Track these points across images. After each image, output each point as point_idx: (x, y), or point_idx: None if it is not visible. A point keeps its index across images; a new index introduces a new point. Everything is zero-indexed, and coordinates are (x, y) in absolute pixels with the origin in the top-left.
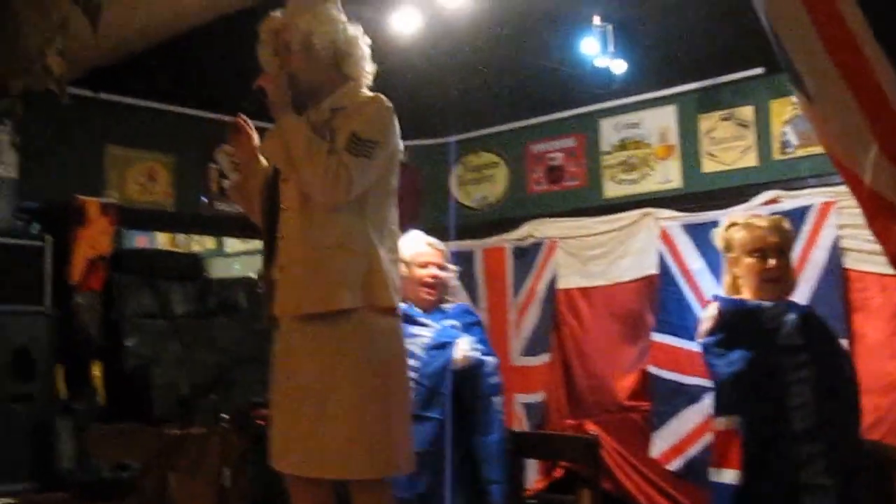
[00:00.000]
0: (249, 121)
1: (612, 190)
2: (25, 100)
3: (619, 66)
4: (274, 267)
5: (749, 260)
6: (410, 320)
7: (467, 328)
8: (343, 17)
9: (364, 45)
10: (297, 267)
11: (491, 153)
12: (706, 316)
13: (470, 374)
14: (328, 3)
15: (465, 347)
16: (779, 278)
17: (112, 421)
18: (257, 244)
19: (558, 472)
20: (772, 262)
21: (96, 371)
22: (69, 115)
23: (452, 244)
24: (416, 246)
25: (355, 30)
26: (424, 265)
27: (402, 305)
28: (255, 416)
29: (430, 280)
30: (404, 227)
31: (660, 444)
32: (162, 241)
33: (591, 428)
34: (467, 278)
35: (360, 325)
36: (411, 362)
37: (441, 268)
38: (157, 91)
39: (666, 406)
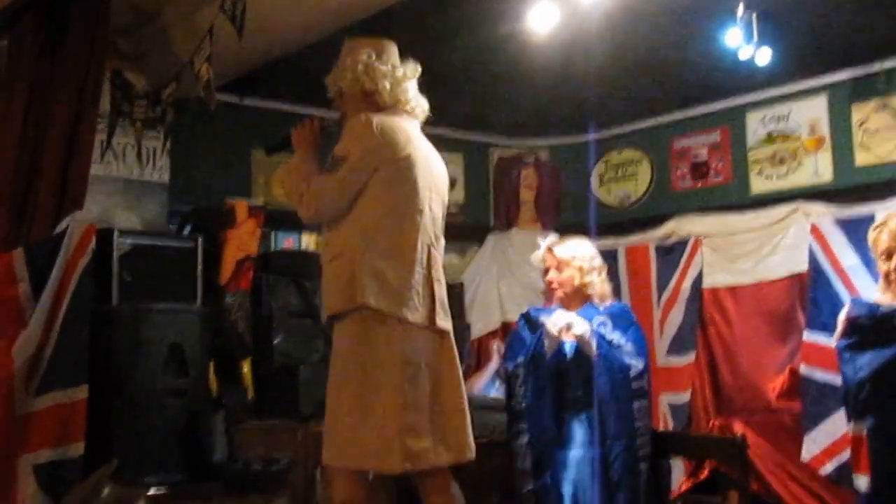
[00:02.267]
0: None
1: (759, 185)
2: (176, 107)
3: (764, 57)
4: None
5: (879, 261)
6: (531, 323)
7: (620, 328)
8: (372, 57)
9: (397, 75)
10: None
11: (633, 150)
12: (839, 319)
13: (613, 374)
14: (361, 48)
15: (550, 326)
16: None
17: (261, 416)
18: None
19: (704, 473)
20: (891, 263)
21: (245, 368)
22: (217, 120)
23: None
24: (538, 252)
25: (385, 66)
26: (545, 271)
27: (532, 309)
28: None
29: (547, 283)
30: (545, 227)
31: (811, 446)
32: (308, 242)
33: (739, 428)
34: (610, 277)
35: (348, 326)
36: (520, 359)
37: (560, 269)
38: (300, 95)
39: (818, 407)
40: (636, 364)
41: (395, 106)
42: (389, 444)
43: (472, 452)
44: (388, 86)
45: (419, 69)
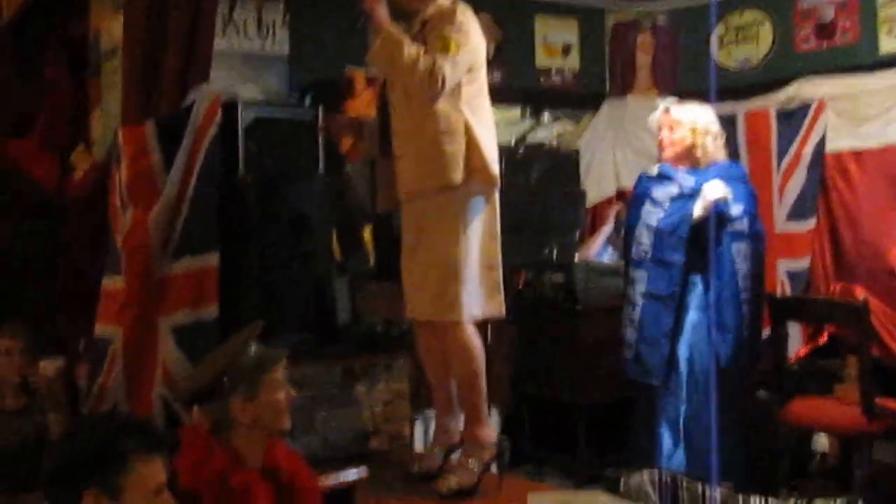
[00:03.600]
0: None
1: (889, 45)
2: None
3: None
4: (392, 158)
5: None
6: (665, 177)
7: (729, 183)
8: None
9: None
10: (410, 155)
11: (755, 10)
12: None
13: (715, 219)
14: None
15: (709, 193)
16: None
17: (382, 280)
18: (513, 114)
19: (823, 338)
20: None
21: (367, 234)
22: None
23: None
24: (655, 113)
25: None
26: (658, 130)
27: (663, 166)
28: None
29: (658, 142)
30: (662, 93)
31: None
32: None
33: (860, 293)
34: (728, 143)
35: (454, 195)
36: (657, 210)
37: (672, 129)
38: None
39: None
40: (734, 208)
41: None
42: (494, 292)
43: None
44: None
45: None
